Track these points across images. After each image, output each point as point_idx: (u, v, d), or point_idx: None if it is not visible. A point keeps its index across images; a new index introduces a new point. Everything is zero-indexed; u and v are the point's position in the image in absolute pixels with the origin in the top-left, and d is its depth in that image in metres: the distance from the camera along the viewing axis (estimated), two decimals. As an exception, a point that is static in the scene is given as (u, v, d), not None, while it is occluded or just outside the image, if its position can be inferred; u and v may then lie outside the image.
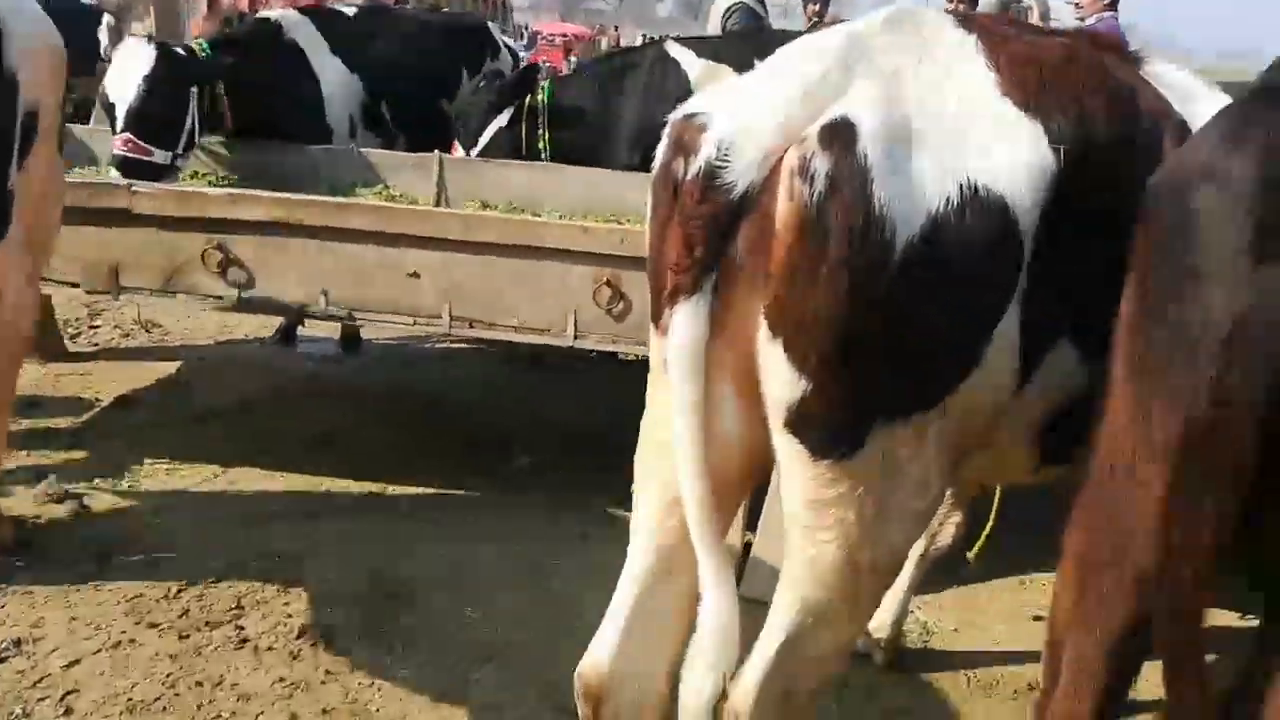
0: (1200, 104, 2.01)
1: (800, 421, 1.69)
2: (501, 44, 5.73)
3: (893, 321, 1.61)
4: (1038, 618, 3.22)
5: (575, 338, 3.27)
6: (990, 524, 2.91)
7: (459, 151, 4.67)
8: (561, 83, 4.72)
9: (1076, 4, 6.62)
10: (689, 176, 1.65)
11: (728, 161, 1.60)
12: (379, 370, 5.08)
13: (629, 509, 3.48)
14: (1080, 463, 1.62)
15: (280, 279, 3.34)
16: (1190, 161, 1.42)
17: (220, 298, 3.40)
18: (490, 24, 6.05)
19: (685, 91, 4.51)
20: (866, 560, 1.78)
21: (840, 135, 1.58)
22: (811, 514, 1.76)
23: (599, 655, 1.96)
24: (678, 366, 1.67)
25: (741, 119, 1.64)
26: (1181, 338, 1.36)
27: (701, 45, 4.65)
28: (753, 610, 2.56)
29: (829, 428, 1.68)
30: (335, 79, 4.83)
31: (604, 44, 25.11)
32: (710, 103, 1.77)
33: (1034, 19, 6.54)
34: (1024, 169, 1.66)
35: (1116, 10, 6.55)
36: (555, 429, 4.50)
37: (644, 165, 4.46)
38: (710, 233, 1.61)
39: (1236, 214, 1.29)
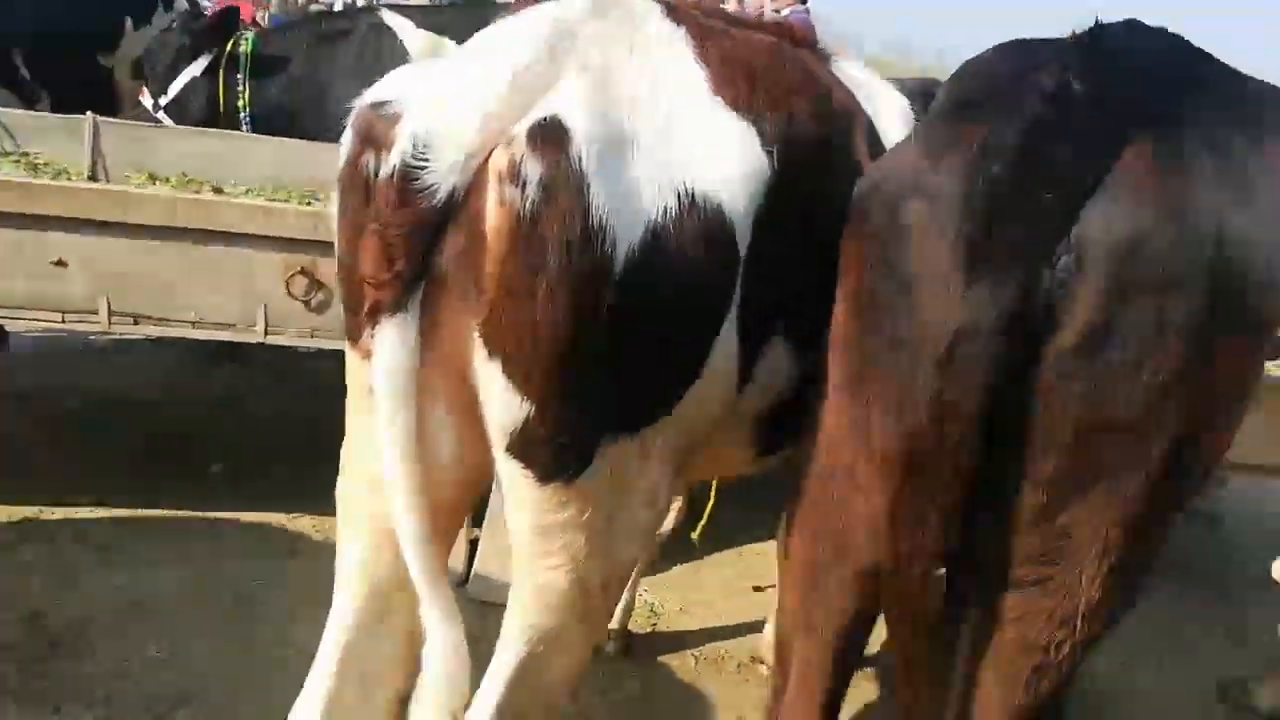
0: (880, 101, 2.08)
1: (524, 445, 1.55)
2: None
3: (616, 335, 1.49)
4: (757, 588, 3.35)
5: (267, 334, 2.92)
6: (710, 504, 2.95)
7: (146, 98, 4.06)
8: (267, 36, 4.23)
9: None
10: (382, 176, 1.44)
11: (426, 161, 1.40)
12: (32, 369, 4.34)
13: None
14: (795, 468, 1.61)
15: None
16: (898, 174, 1.42)
17: None
18: None
19: (403, 62, 4.20)
20: (598, 580, 1.70)
21: (553, 137, 1.42)
22: (540, 539, 1.64)
23: (306, 716, 1.76)
24: (386, 393, 1.47)
25: (440, 112, 1.43)
26: (898, 349, 1.36)
27: (421, 15, 4.34)
28: (483, 611, 2.41)
29: (555, 449, 1.55)
30: (-50, 24, 4.02)
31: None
32: (401, 89, 1.54)
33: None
34: (738, 173, 1.60)
35: (806, 4, 6.95)
36: (253, 429, 4.07)
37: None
38: (412, 242, 1.41)
39: (947, 229, 1.30)
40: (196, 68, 4.03)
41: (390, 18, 4.25)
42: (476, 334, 1.48)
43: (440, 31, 4.25)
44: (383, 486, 1.53)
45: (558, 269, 1.41)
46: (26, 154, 3.80)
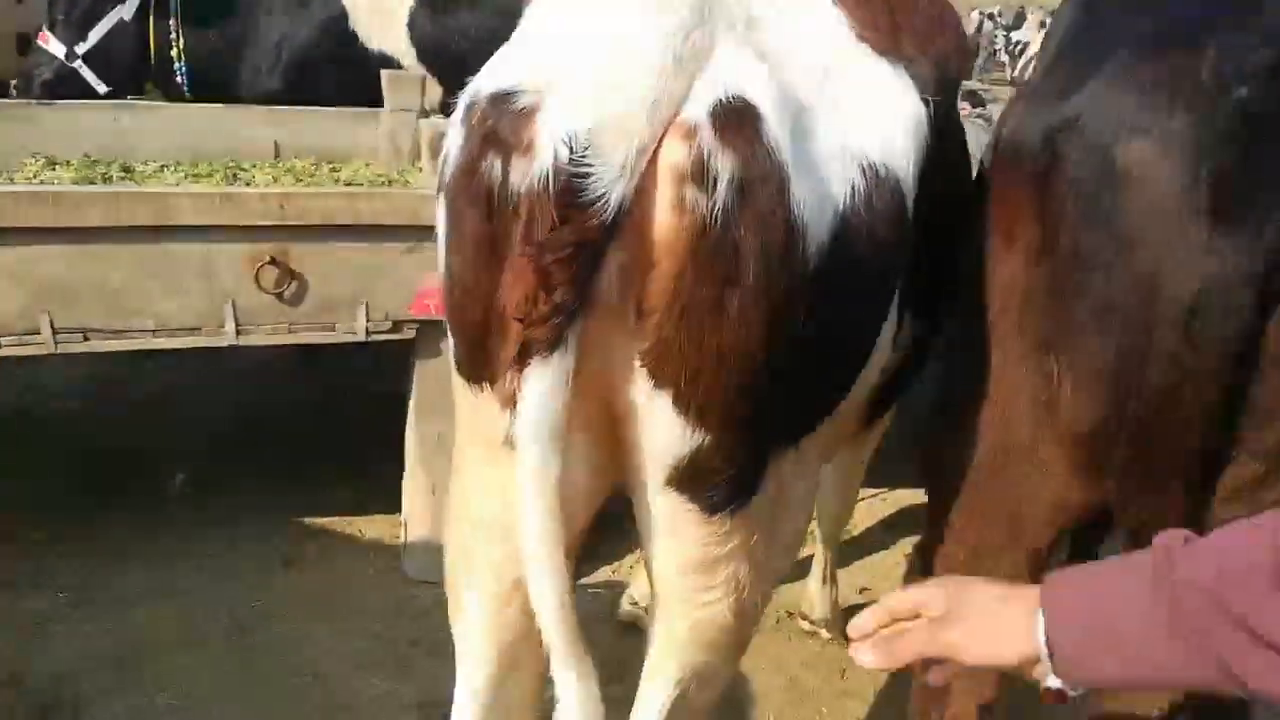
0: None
1: (692, 479, 1.33)
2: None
3: (807, 346, 1.28)
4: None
5: (239, 334, 2.61)
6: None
7: (52, 43, 3.60)
8: None
9: None
10: (529, 189, 1.14)
11: (589, 166, 1.10)
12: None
13: (336, 517, 2.96)
14: (943, 448, 1.47)
15: None
16: (1107, 113, 1.24)
17: None
18: None
19: (337, 8, 3.83)
20: (757, 603, 1.54)
21: (743, 121, 1.15)
22: (701, 575, 1.44)
23: None
24: (535, 444, 1.21)
25: (599, 101, 1.13)
26: (1108, 313, 1.21)
27: None
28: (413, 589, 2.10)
29: (727, 479, 1.35)
30: None
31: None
32: (526, 74, 1.22)
33: None
34: (905, 132, 1.38)
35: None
36: (202, 429, 3.71)
37: (287, 93, 3.81)
38: (576, 267, 1.13)
39: (1184, 171, 1.14)
40: (125, 10, 3.59)
41: (327, -44, 3.87)
42: (639, 363, 1.23)
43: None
44: (507, 536, 1.33)
45: (754, 282, 1.17)
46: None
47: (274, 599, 2.79)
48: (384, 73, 3.66)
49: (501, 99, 1.20)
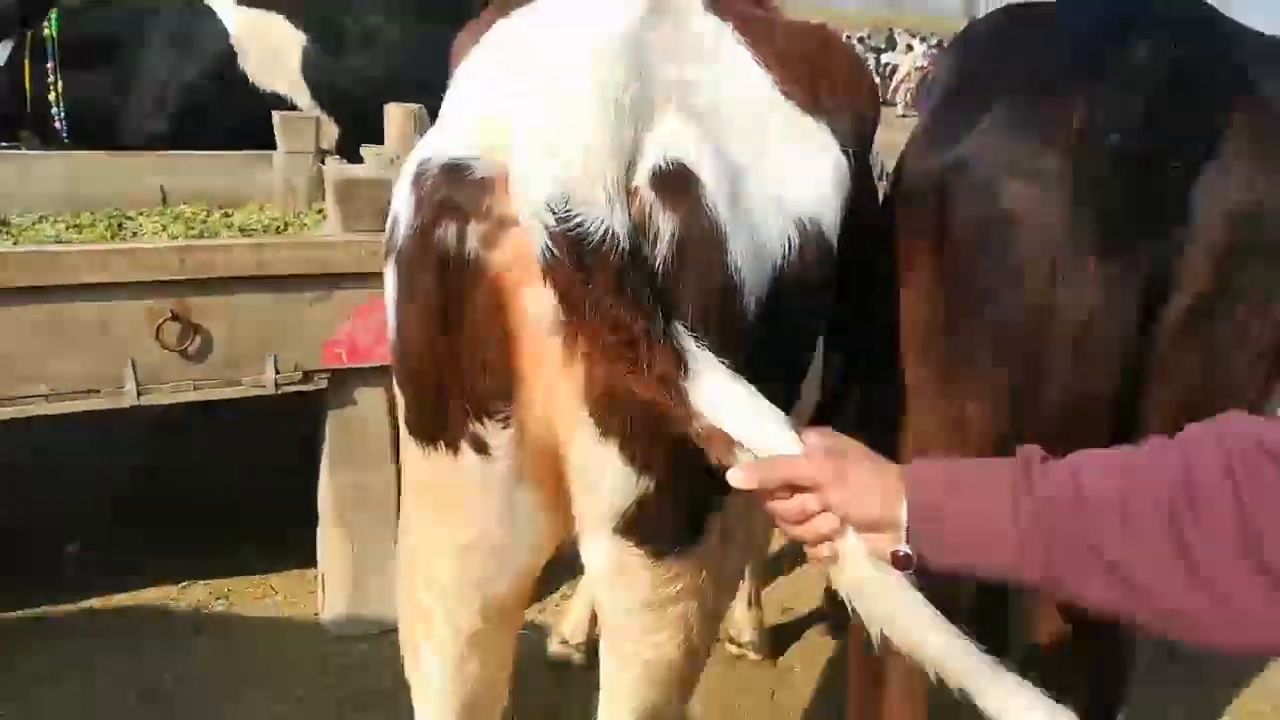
0: None
1: (638, 524, 1.36)
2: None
3: None
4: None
5: (140, 394, 2.50)
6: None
7: None
8: (71, 17, 3.61)
9: None
10: (545, 259, 1.12)
11: (580, 215, 1.11)
12: None
13: (245, 577, 2.82)
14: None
15: None
16: (990, 156, 1.33)
17: None
18: None
19: (224, 47, 3.72)
20: (705, 639, 1.56)
21: (680, 186, 1.19)
22: (650, 616, 1.46)
23: None
24: (786, 430, 1.18)
25: (556, 160, 1.13)
26: (1004, 341, 1.30)
27: None
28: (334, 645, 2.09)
29: (672, 523, 1.38)
30: None
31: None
32: (472, 143, 1.25)
33: None
34: (830, 184, 1.44)
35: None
36: (99, 495, 3.53)
37: (174, 136, 3.67)
38: (640, 290, 1.13)
39: (1066, 209, 1.24)
40: None
41: (207, -9, 3.76)
42: (584, 414, 1.25)
43: (267, 7, 3.79)
44: (463, 595, 1.39)
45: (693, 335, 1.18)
46: None
47: (186, 668, 2.66)
48: (276, 114, 3.58)
49: (454, 170, 1.22)
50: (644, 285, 1.13)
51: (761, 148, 1.35)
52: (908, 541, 1.07)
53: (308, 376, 2.67)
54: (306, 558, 3.00)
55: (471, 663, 1.51)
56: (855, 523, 1.11)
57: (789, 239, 1.32)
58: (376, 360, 2.70)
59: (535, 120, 1.16)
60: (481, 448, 1.30)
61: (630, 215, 1.14)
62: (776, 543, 3.44)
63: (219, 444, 3.81)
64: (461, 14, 4.32)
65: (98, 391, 2.48)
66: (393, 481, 2.82)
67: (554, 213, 1.11)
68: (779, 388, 1.38)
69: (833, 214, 1.41)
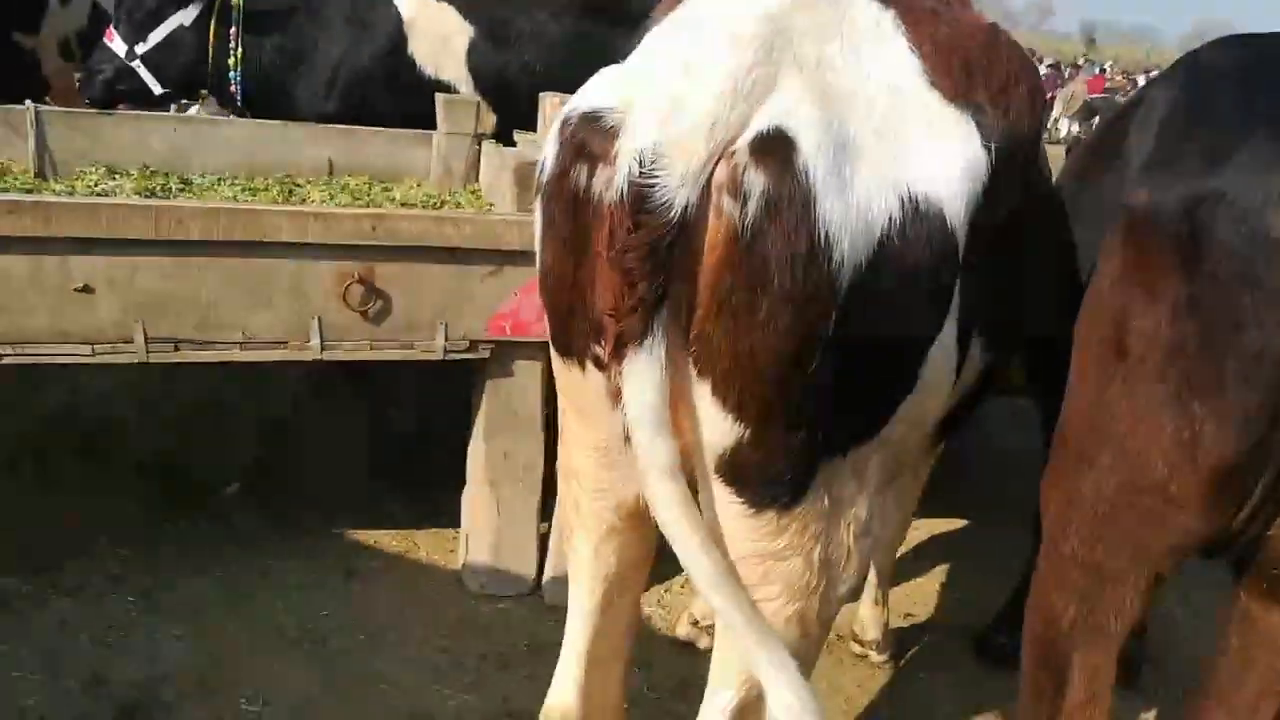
0: None
1: (736, 470, 1.50)
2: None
3: (837, 355, 1.42)
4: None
5: (323, 349, 2.68)
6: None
7: (115, 41, 3.65)
8: None
9: None
10: (610, 197, 1.35)
11: (656, 178, 1.31)
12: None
13: (392, 530, 3.07)
14: (1079, 480, 1.59)
15: None
16: (1252, 187, 1.38)
17: None
18: None
19: (396, 30, 3.92)
20: (815, 614, 1.66)
21: (777, 149, 1.34)
22: (752, 570, 1.59)
23: (565, 694, 1.87)
24: (647, 428, 1.40)
25: (666, 122, 1.33)
26: (1258, 363, 1.35)
27: None
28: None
29: (769, 475, 1.50)
30: None
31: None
32: (613, 96, 1.44)
33: None
34: (959, 173, 1.53)
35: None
36: (251, 437, 3.76)
37: (341, 112, 3.88)
38: (651, 264, 1.33)
39: None
40: (185, 15, 3.68)
41: (386, -24, 3.96)
42: (688, 355, 1.41)
43: (438, -3, 3.98)
44: (607, 491, 1.63)
45: (779, 288, 1.34)
46: (-44, 151, 3.37)
47: (341, 609, 2.84)
48: (439, 96, 3.76)
49: (591, 117, 1.42)
50: (662, 266, 1.31)
51: (886, 129, 1.46)
52: None
53: (473, 346, 2.82)
54: (448, 518, 3.15)
55: (610, 550, 1.77)
56: None
57: (894, 217, 1.41)
58: (536, 336, 2.83)
59: (661, 83, 1.36)
60: (601, 366, 1.48)
61: (709, 194, 1.32)
62: (903, 546, 3.49)
63: (372, 403, 4.00)
64: (619, 14, 4.49)
65: (285, 344, 2.66)
66: (541, 451, 2.96)
67: (640, 164, 1.30)
68: (879, 367, 1.50)
69: (960, 205, 1.50)
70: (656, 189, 1.30)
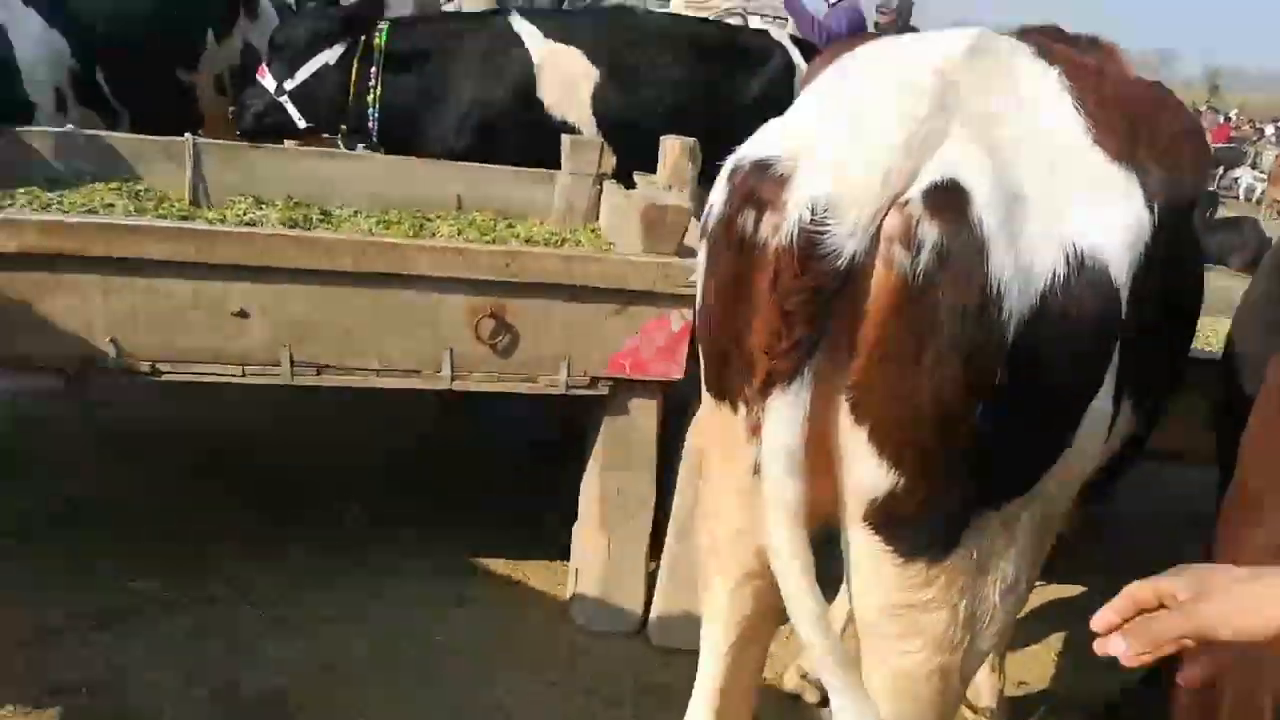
0: None
1: (886, 518, 1.50)
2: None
3: (999, 408, 1.42)
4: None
5: (453, 379, 2.78)
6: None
7: (267, 78, 3.90)
8: (399, 30, 4.07)
9: None
10: (779, 241, 1.39)
11: (827, 226, 1.35)
12: (126, 407, 4.11)
13: (501, 560, 3.12)
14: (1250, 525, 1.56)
15: (44, 330, 2.50)
16: None
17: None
18: None
19: (526, 74, 4.07)
20: (957, 670, 1.64)
21: (951, 202, 1.37)
22: (895, 621, 1.59)
23: None
24: (779, 466, 1.42)
25: (840, 173, 1.37)
26: None
27: (550, 22, 4.19)
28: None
29: (920, 525, 1.50)
30: (33, 39, 3.77)
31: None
32: (783, 146, 1.49)
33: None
34: (1122, 231, 1.52)
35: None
36: (376, 465, 3.89)
37: (470, 150, 4.05)
38: (813, 309, 1.36)
39: None
40: (330, 55, 3.93)
41: (518, 22, 4.13)
42: (844, 398, 1.44)
43: (567, 40, 4.12)
44: (746, 534, 1.64)
45: (948, 339, 1.36)
46: (127, 179, 3.61)
47: (452, 634, 2.91)
48: (565, 137, 3.88)
49: (761, 166, 1.47)
50: (824, 311, 1.34)
51: (1052, 184, 1.47)
52: None
53: (594, 382, 2.88)
54: (556, 550, 3.20)
55: (747, 594, 1.78)
56: (1237, 633, 1.03)
57: (1059, 272, 1.42)
58: (655, 375, 2.88)
59: (833, 134, 1.40)
60: (747, 403, 1.50)
61: (877, 243, 1.34)
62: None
63: (484, 431, 4.11)
64: (735, 59, 4.55)
65: (419, 373, 2.77)
66: (654, 490, 2.99)
67: (812, 212, 1.33)
68: (1038, 422, 1.50)
69: (1123, 263, 1.49)
70: (827, 237, 1.34)
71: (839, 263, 1.34)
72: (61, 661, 2.59)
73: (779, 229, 1.40)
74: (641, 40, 4.30)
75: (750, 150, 1.53)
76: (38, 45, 3.76)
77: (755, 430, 1.47)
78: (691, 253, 2.97)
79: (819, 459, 1.47)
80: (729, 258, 1.51)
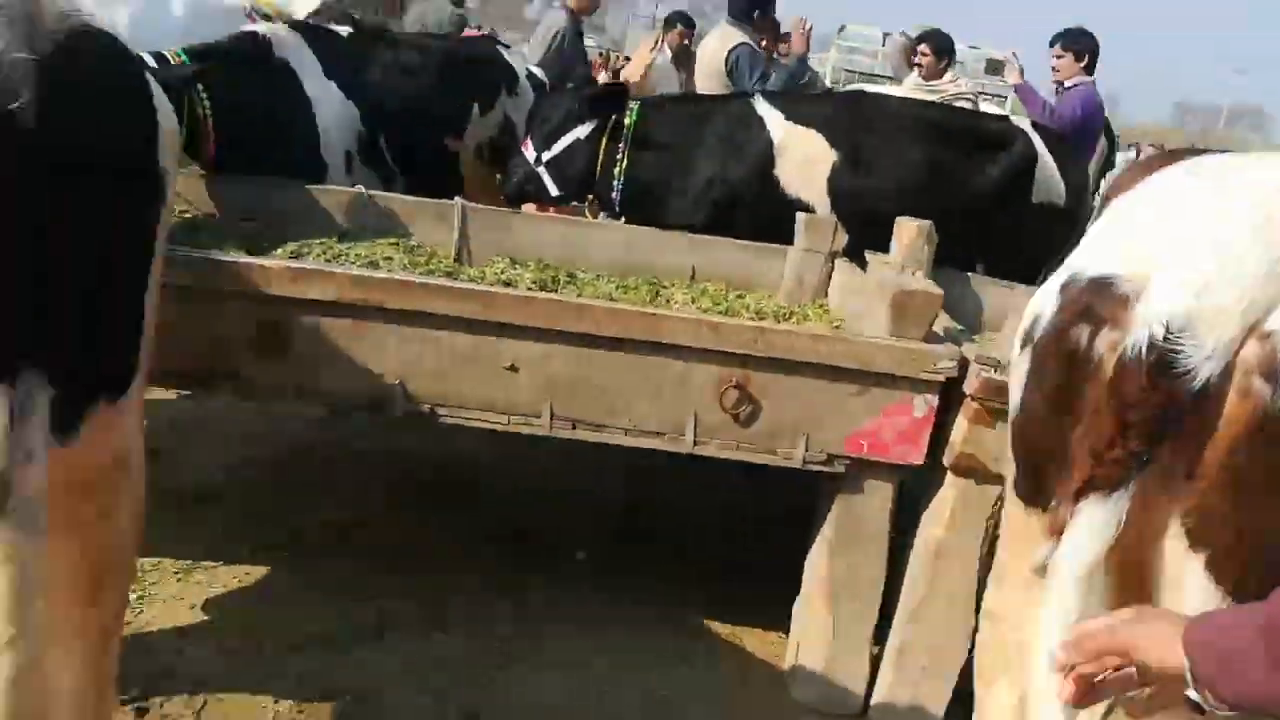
0: None
1: None
2: (521, 74, 5.26)
3: None
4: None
5: (695, 444, 2.91)
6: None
7: (528, 149, 4.28)
8: (648, 111, 4.37)
9: (1054, 68, 6.73)
10: (1125, 354, 1.41)
11: (1182, 345, 1.37)
12: (380, 436, 4.48)
13: (719, 622, 3.20)
14: None
15: (346, 370, 2.82)
16: None
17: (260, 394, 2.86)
18: (506, 50, 5.54)
19: (766, 154, 4.24)
20: None
21: None
22: None
23: None
24: (1074, 570, 1.45)
25: (1201, 296, 1.39)
26: None
27: (792, 105, 4.37)
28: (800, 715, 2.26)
29: None
30: (331, 108, 4.28)
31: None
32: (1124, 264, 1.51)
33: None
34: None
35: (1093, 75, 6.66)
36: (598, 511, 4.08)
37: (706, 224, 4.25)
38: (1155, 425, 1.39)
39: None
40: (582, 131, 4.23)
41: (761, 105, 4.30)
42: (1179, 523, 1.43)
43: (810, 125, 4.26)
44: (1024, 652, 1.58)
45: None
46: (402, 236, 4.00)
47: (675, 688, 2.99)
48: (800, 215, 3.99)
49: (1100, 282, 1.50)
50: (1164, 431, 1.36)
51: None
52: (1193, 687, 1.18)
53: (830, 459, 2.93)
54: (778, 618, 3.24)
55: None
56: (1149, 658, 1.23)
57: None
58: (893, 458, 2.90)
59: (1188, 256, 1.41)
60: (1056, 502, 1.51)
61: (1231, 370, 1.35)
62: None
63: (708, 494, 4.22)
64: (972, 143, 4.55)
65: (663, 434, 2.92)
66: (883, 572, 2.99)
67: (1167, 329, 1.35)
68: None
69: None
70: (1181, 357, 1.36)
71: (1192, 383, 1.36)
72: (328, 669, 2.86)
73: (1119, 344, 1.44)
74: (881, 124, 4.37)
75: (1085, 264, 1.57)
76: (337, 114, 4.26)
77: (1056, 530, 1.50)
78: (938, 338, 3.00)
79: (1125, 575, 1.48)
80: (1058, 367, 1.55)
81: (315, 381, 2.82)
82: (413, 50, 4.76)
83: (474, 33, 8.33)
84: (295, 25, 4.39)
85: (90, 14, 1.29)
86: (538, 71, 5.61)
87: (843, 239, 4.22)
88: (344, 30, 4.57)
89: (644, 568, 3.60)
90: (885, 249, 3.67)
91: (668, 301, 3.82)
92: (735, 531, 4.03)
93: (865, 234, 4.03)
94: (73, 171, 1.31)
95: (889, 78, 14.54)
